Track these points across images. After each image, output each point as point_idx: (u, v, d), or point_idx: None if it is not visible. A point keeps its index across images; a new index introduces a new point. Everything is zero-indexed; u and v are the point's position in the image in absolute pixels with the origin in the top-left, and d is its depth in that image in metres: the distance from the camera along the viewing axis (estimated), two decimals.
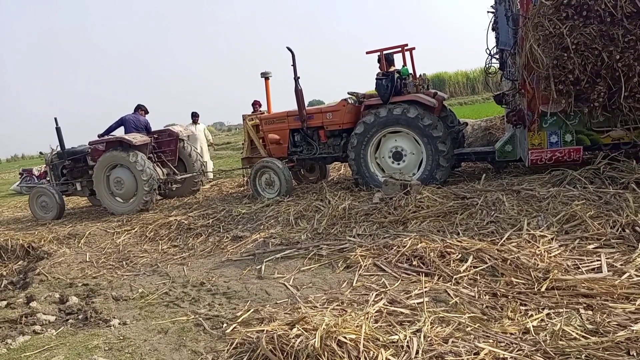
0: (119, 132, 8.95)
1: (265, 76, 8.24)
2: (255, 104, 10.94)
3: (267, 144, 7.99)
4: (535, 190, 5.05)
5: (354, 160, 6.92)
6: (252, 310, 3.51)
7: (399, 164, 6.83)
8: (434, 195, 5.38)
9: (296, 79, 7.41)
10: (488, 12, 6.82)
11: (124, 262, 5.47)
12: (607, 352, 2.44)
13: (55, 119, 8.97)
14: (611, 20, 4.85)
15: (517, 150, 6.29)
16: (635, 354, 2.42)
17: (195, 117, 11.70)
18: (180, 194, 9.36)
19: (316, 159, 7.74)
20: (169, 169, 9.07)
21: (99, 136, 8.90)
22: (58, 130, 9.03)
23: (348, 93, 7.60)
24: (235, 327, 3.26)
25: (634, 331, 2.58)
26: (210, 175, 11.67)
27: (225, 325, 3.35)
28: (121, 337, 3.41)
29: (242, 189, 9.08)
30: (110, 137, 8.79)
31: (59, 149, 9.29)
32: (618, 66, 4.88)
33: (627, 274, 3.31)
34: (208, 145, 12.04)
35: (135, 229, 6.86)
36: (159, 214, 7.69)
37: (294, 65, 7.32)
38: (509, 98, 6.47)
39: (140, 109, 9.13)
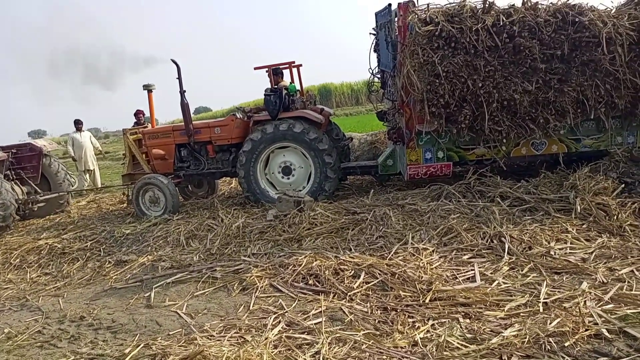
0: None
1: (148, 89, 7.82)
2: (139, 114, 10.39)
3: (150, 159, 7.58)
4: (417, 205, 5.44)
5: (244, 178, 6.87)
6: (141, 345, 3.29)
7: (288, 178, 6.92)
8: (327, 211, 5.53)
9: (182, 92, 7.17)
10: (370, 33, 7.24)
11: None
12: (484, 359, 2.72)
13: None
14: (474, 52, 5.46)
15: (398, 164, 6.74)
16: (506, 358, 2.72)
17: (79, 124, 10.88)
18: (44, 214, 8.46)
19: (204, 174, 7.53)
20: (29, 187, 8.23)
21: None
22: None
23: (235, 107, 7.53)
24: None
25: (505, 337, 2.91)
26: (99, 183, 10.96)
27: None
28: None
29: (124, 205, 8.47)
30: None
31: None
32: (480, 93, 5.50)
33: (496, 282, 3.72)
34: (97, 154, 11.19)
35: None
36: (26, 237, 6.85)
37: (179, 78, 7.07)
38: (390, 116, 6.92)
39: None
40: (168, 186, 7.01)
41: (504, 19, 5.40)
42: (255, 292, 3.98)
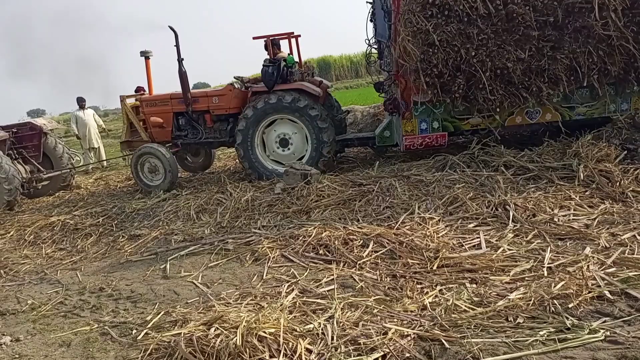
0: None
1: (146, 55, 7.77)
2: (140, 90, 10.34)
3: (148, 127, 7.60)
4: (422, 175, 5.53)
5: (250, 168, 6.93)
6: (162, 312, 3.44)
7: (289, 149, 6.94)
8: (334, 183, 5.63)
9: (180, 60, 7.17)
10: (367, 2, 7.17)
11: (2, 271, 4.94)
12: (491, 321, 2.85)
13: None
14: (468, 20, 5.41)
15: (395, 135, 6.76)
16: (512, 320, 2.85)
17: (82, 102, 10.95)
18: (48, 192, 8.61)
19: (202, 143, 7.59)
20: (32, 166, 8.35)
21: None
22: None
23: (234, 77, 7.53)
24: (146, 333, 3.17)
25: (510, 300, 3.03)
26: (105, 164, 11.04)
27: (135, 331, 3.25)
28: (17, 355, 3.13)
29: (131, 182, 8.58)
30: None
31: None
32: (473, 62, 5.47)
33: (502, 249, 3.83)
34: (100, 131, 11.28)
35: (11, 233, 6.20)
36: (38, 215, 6.99)
37: (177, 46, 7.07)
38: (386, 87, 6.91)
39: None
40: (159, 149, 7.04)
41: None
42: (268, 262, 4.11)
